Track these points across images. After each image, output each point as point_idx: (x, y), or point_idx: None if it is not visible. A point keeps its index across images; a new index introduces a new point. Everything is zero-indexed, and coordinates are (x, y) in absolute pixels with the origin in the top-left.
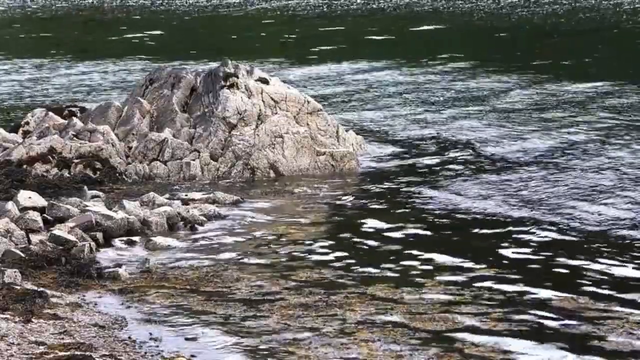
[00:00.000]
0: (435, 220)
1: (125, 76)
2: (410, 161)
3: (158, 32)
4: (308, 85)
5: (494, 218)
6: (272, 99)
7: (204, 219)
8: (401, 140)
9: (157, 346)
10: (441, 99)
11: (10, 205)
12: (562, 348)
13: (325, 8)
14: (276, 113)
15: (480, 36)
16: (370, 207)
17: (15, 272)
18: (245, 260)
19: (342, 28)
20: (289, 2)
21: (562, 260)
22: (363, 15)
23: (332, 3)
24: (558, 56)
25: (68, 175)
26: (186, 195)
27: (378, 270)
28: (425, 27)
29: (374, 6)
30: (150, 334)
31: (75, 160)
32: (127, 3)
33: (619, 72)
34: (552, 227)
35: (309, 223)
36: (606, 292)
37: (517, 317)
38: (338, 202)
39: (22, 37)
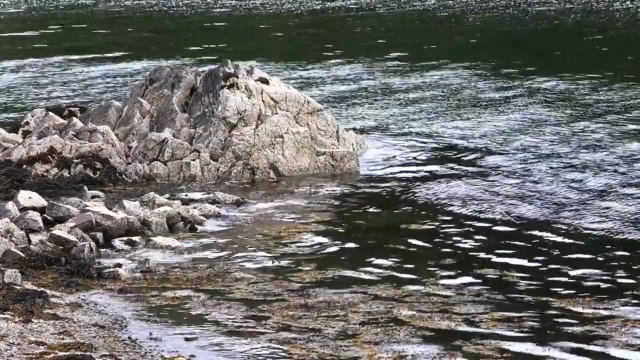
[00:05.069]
0: (436, 219)
1: (124, 76)
2: (410, 161)
3: (155, 32)
4: (307, 85)
5: (495, 217)
6: (272, 99)
7: (204, 219)
8: (401, 139)
9: (157, 346)
10: (441, 99)
11: (10, 205)
12: (562, 348)
13: (319, 7)
14: (276, 113)
15: (480, 37)
16: (371, 206)
17: (15, 272)
18: (246, 260)
19: (339, 27)
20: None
21: (563, 260)
22: (356, 15)
23: (325, 3)
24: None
25: (68, 175)
26: (186, 195)
27: (379, 270)
28: (423, 27)
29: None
30: (150, 334)
31: (75, 160)
32: (123, 2)
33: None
34: (554, 227)
35: (309, 223)
36: (608, 292)
37: (517, 317)
38: (338, 202)
39: (19, 37)
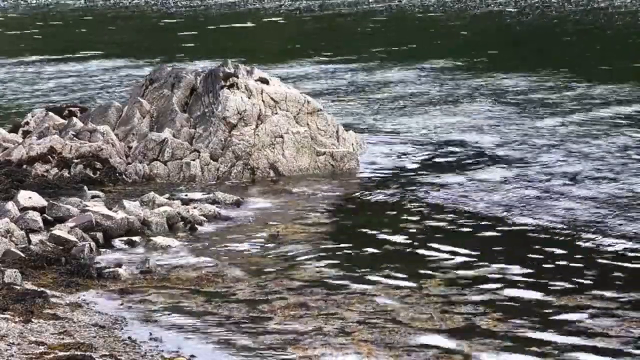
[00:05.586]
0: (436, 219)
1: (124, 76)
2: (410, 160)
3: (154, 31)
4: (306, 84)
5: (496, 217)
6: (272, 99)
7: (204, 219)
8: (402, 139)
9: (157, 346)
10: (440, 97)
11: (10, 205)
12: (562, 348)
13: (317, 8)
14: (276, 113)
15: (479, 36)
16: (370, 206)
17: (15, 272)
18: (246, 260)
19: (338, 25)
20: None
21: (562, 259)
22: (355, 14)
23: (324, 3)
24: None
25: (68, 175)
26: (186, 195)
27: (378, 270)
28: (423, 26)
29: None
30: (150, 334)
31: (75, 160)
32: (122, 2)
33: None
34: (553, 226)
35: (309, 223)
36: (608, 291)
37: (517, 317)
38: (338, 202)
39: (18, 37)
